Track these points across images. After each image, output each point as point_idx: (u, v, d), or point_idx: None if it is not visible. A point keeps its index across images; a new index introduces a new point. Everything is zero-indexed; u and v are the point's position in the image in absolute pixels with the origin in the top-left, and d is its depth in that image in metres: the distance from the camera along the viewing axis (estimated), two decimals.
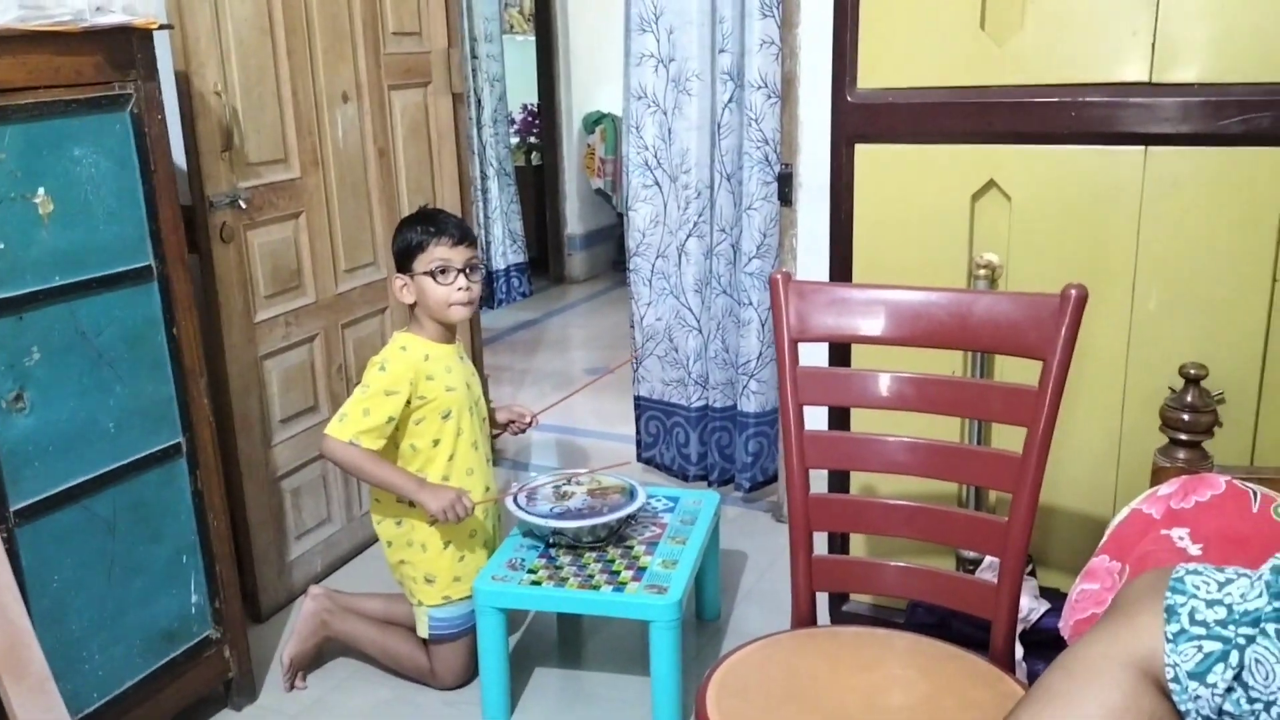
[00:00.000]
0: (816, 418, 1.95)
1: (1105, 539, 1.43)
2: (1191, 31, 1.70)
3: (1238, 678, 0.95)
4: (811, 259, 2.68)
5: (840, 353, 2.02)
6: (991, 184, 1.88)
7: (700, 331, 3.07)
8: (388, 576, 2.23)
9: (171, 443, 1.92)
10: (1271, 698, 0.94)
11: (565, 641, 2.40)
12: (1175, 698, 0.97)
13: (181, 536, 1.97)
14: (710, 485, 3.14)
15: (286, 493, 2.54)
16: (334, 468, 2.64)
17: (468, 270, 2.04)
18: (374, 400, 1.99)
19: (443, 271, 2.02)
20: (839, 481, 2.10)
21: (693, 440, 3.16)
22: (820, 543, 2.10)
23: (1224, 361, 1.75)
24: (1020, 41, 1.80)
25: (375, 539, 2.21)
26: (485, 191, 5.23)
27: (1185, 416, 1.52)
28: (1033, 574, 1.98)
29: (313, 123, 2.52)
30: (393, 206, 2.77)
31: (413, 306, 2.08)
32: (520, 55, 5.89)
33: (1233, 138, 1.70)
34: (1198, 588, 1.00)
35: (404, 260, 2.05)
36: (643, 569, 2.06)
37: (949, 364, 1.93)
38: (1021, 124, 1.82)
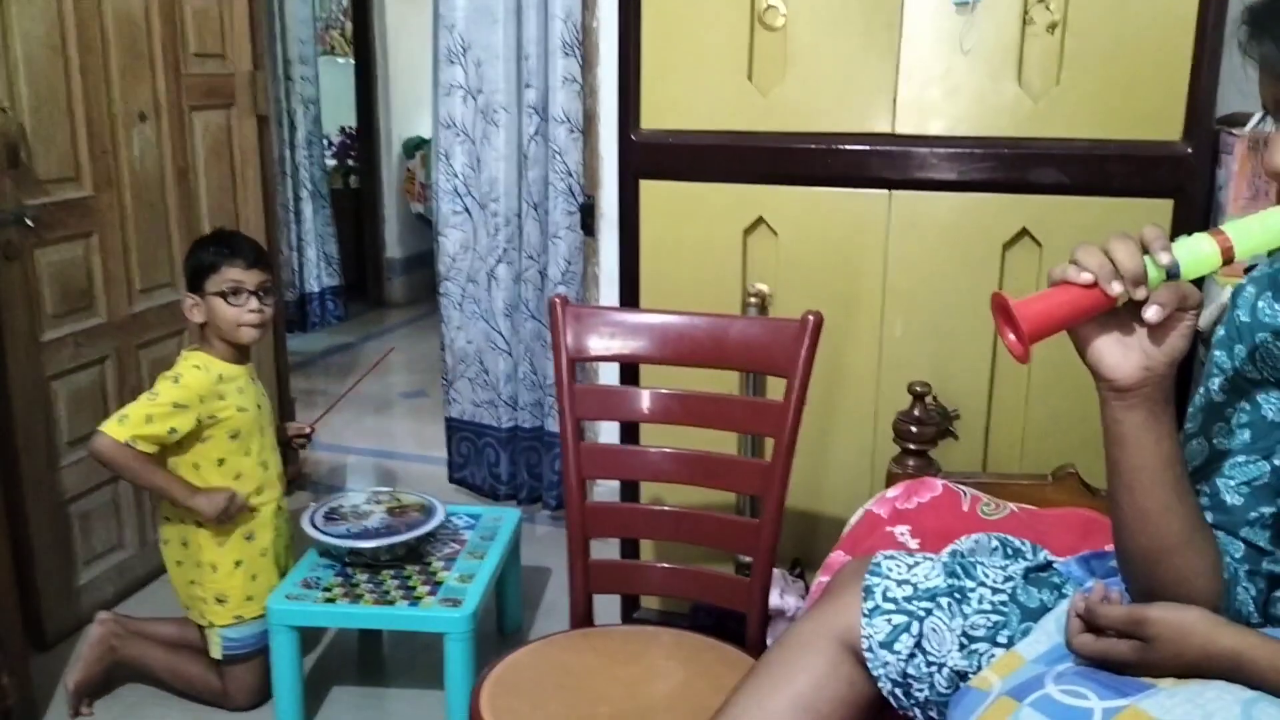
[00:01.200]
0: (610, 434, 2.07)
1: (842, 537, 1.61)
2: (927, 91, 1.92)
3: (918, 645, 1.12)
4: (612, 286, 2.83)
5: (631, 373, 2.15)
6: (761, 220, 2.06)
7: (510, 354, 3.16)
8: None
9: None
10: (943, 660, 1.11)
11: (364, 660, 2.43)
12: (869, 665, 1.13)
13: None
14: (519, 504, 3.22)
15: (75, 517, 2.48)
16: (127, 491, 2.60)
17: (260, 293, 2.07)
18: (160, 409, 1.99)
19: (234, 293, 2.05)
20: (630, 492, 2.23)
21: (503, 460, 3.24)
22: (613, 550, 2.24)
23: (959, 381, 1.98)
24: (782, 93, 1.99)
25: None
26: (298, 214, 5.17)
27: (912, 428, 1.72)
28: (800, 575, 2.16)
29: (107, 142, 2.49)
30: (193, 227, 2.75)
31: (203, 326, 2.10)
32: (340, 77, 5.86)
33: (963, 184, 1.93)
34: (891, 570, 1.17)
35: (196, 280, 2.07)
36: (439, 584, 2.12)
37: (729, 382, 2.09)
38: (784, 167, 2.00)
